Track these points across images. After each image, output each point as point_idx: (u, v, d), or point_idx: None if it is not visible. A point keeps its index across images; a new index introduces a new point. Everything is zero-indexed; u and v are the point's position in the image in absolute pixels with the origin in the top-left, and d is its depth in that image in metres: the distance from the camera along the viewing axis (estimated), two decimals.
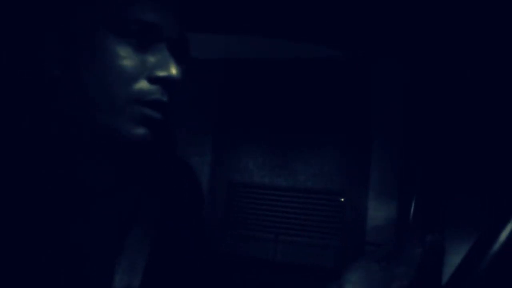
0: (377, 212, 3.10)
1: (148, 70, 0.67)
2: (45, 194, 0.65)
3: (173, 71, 0.67)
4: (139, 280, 0.70)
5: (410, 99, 3.02)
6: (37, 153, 0.67)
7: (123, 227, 0.71)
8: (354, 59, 3.23)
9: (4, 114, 0.67)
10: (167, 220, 0.77)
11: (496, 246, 0.63)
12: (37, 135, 0.67)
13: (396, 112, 3.13)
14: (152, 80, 0.67)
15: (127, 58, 0.66)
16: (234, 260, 3.43)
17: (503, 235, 0.64)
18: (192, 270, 0.81)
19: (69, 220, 0.66)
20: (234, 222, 3.59)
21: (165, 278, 0.75)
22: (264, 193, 3.57)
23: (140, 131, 0.67)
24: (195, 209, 0.85)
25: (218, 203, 3.59)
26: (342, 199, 3.41)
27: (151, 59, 0.67)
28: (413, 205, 2.64)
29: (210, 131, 3.69)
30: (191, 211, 0.84)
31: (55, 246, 0.64)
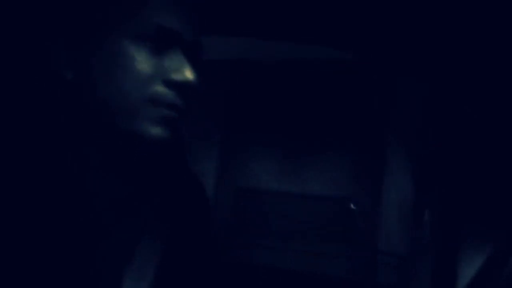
0: (390, 220, 3.05)
1: (163, 73, 0.68)
2: (57, 201, 0.66)
3: (189, 75, 0.67)
4: None
5: (431, 107, 2.97)
6: (50, 157, 0.67)
7: (134, 236, 0.72)
8: (370, 64, 3.20)
9: (16, 116, 0.67)
10: (176, 229, 0.78)
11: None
12: (50, 138, 0.68)
13: (414, 119, 3.10)
14: (168, 83, 0.68)
15: (142, 61, 0.66)
16: (241, 268, 3.42)
17: None
18: (200, 279, 0.82)
19: (79, 228, 0.67)
20: (241, 228, 3.58)
21: (174, 287, 0.76)
22: (272, 199, 3.55)
23: (158, 130, 0.68)
24: (202, 218, 0.86)
25: (224, 209, 3.58)
26: (354, 206, 3.36)
27: (167, 63, 0.68)
28: (428, 215, 2.56)
29: (217, 134, 3.70)
30: (199, 219, 0.85)
31: (63, 253, 0.65)
